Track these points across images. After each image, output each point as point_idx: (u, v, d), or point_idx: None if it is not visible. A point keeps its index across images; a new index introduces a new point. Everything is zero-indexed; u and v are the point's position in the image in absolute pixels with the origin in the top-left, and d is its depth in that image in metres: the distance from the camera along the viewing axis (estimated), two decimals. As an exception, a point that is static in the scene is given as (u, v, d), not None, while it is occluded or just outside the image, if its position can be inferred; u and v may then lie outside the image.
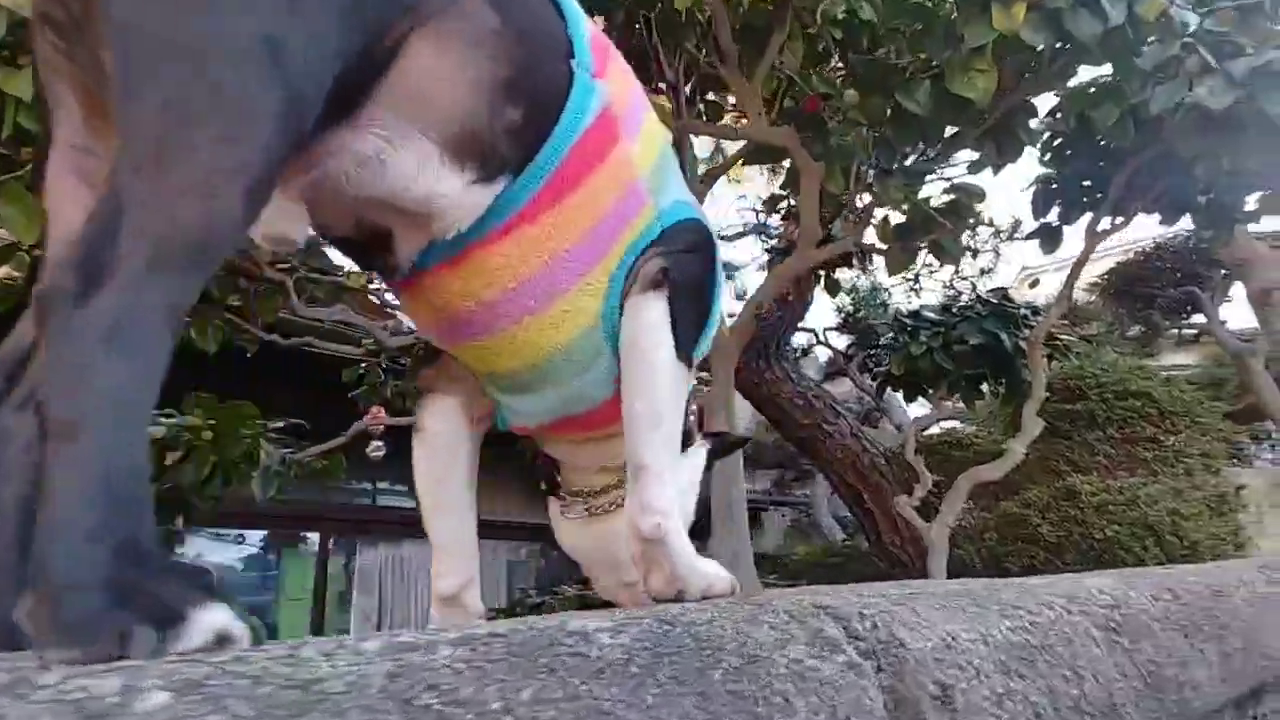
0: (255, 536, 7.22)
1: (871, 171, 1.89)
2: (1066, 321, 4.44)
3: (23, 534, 0.46)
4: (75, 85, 0.53)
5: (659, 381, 0.72)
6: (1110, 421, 3.29)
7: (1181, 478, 3.00)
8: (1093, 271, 6.85)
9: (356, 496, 7.16)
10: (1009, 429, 3.34)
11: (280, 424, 2.56)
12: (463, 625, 0.40)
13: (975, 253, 6.35)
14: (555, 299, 0.70)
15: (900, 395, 3.91)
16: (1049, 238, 2.84)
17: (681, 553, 0.69)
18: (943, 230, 2.06)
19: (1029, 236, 2.88)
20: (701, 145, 3.52)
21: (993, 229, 6.10)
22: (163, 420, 2.57)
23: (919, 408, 4.83)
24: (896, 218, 2.19)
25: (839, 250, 2.27)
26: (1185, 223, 2.81)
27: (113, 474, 0.38)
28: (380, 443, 6.06)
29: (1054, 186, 2.70)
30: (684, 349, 0.73)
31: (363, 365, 3.58)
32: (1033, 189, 2.76)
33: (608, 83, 0.71)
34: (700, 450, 0.96)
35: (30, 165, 1.46)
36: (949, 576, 2.79)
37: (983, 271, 6.35)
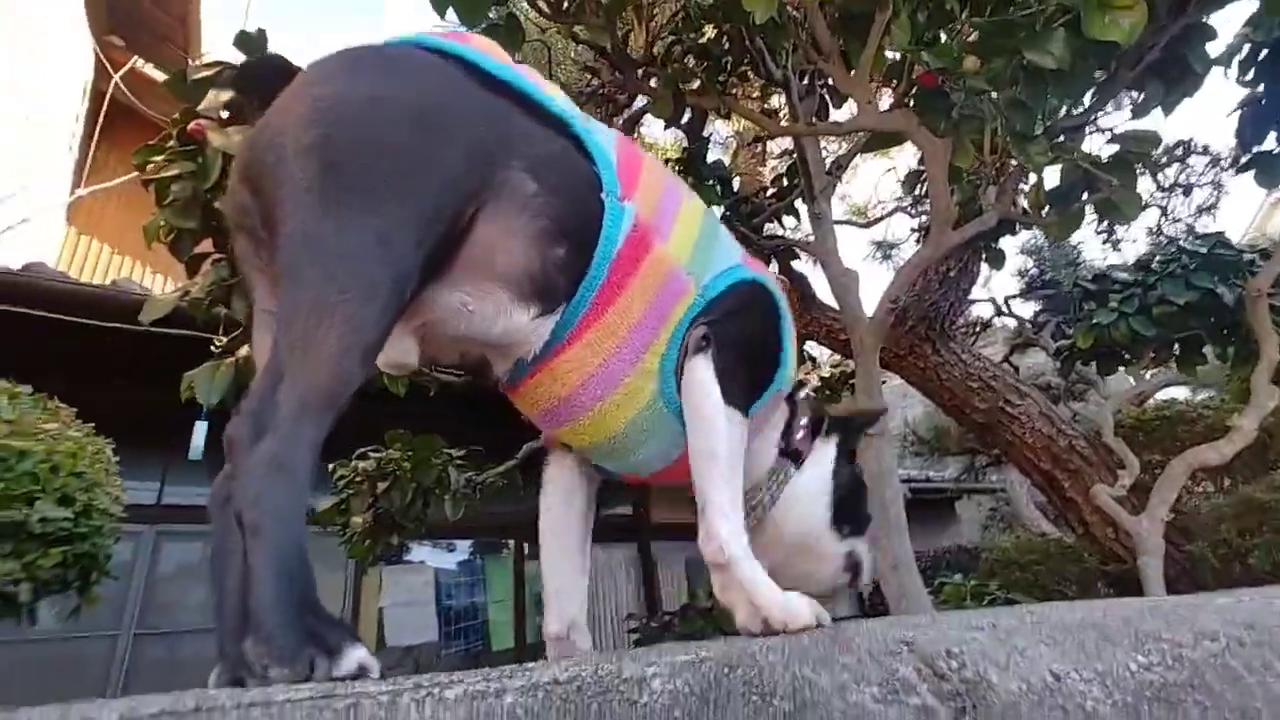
0: (464, 545, 8.11)
1: (1010, 138, 1.71)
2: None
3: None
4: (262, 269, 0.77)
5: (711, 427, 0.83)
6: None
7: None
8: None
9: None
10: (1242, 398, 2.80)
11: (463, 451, 2.88)
12: (536, 670, 0.47)
13: (1189, 189, 5.40)
14: (616, 386, 0.86)
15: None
16: (1267, 168, 2.37)
17: (757, 583, 0.75)
18: (1110, 187, 1.80)
19: (1241, 169, 2.42)
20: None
21: (1209, 158, 5.14)
22: (372, 455, 3.03)
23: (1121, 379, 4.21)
24: (1052, 180, 1.95)
25: (981, 227, 2.07)
26: None
27: (285, 558, 0.56)
28: (556, 457, 6.52)
29: (1263, 103, 2.25)
30: (733, 397, 0.84)
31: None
32: (1238, 114, 2.32)
33: (636, 202, 0.85)
34: (824, 450, 1.04)
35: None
36: (1171, 577, 2.42)
37: (1201, 210, 5.37)
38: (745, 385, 0.88)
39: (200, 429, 3.29)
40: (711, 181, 3.25)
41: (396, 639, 6.84)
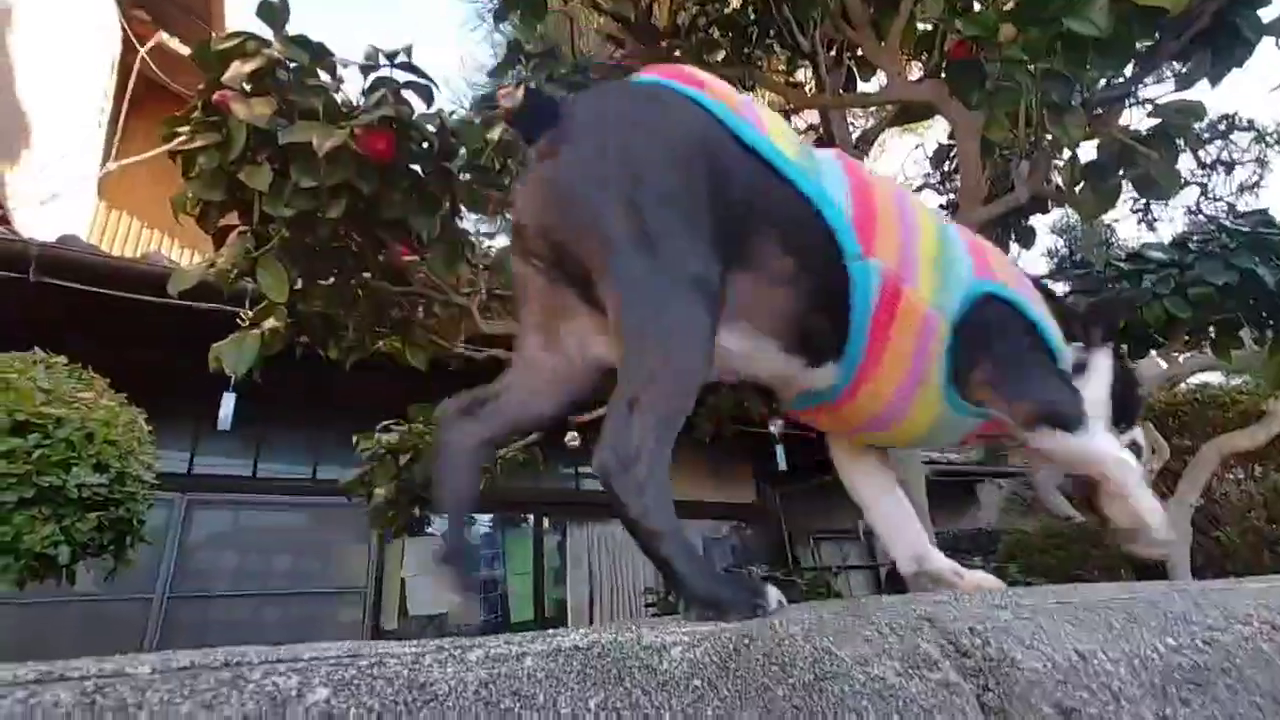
0: (485, 519, 8.25)
1: (1046, 111, 1.65)
2: None
3: (462, 495, 0.87)
4: (538, 288, 0.90)
5: (1098, 462, 1.03)
6: None
7: None
8: None
9: (564, 482, 7.86)
10: (1278, 384, 2.71)
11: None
12: (551, 637, 0.47)
13: (1231, 166, 5.21)
14: (907, 413, 1.02)
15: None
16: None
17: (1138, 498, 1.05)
18: (1149, 162, 1.74)
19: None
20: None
21: (1254, 134, 4.95)
22: (394, 428, 3.07)
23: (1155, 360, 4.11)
24: (1087, 155, 1.88)
25: (1012, 204, 2.01)
26: None
27: (684, 547, 0.69)
28: (575, 433, 6.57)
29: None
30: (1069, 420, 1.00)
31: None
32: (1288, 86, 2.22)
33: (878, 253, 0.94)
34: (1099, 359, 1.18)
35: (275, 238, 1.82)
36: (1199, 565, 2.37)
37: (1243, 188, 5.19)
38: (1067, 399, 1.03)
39: (228, 400, 3.35)
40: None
41: (418, 609, 6.99)
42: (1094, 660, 0.55)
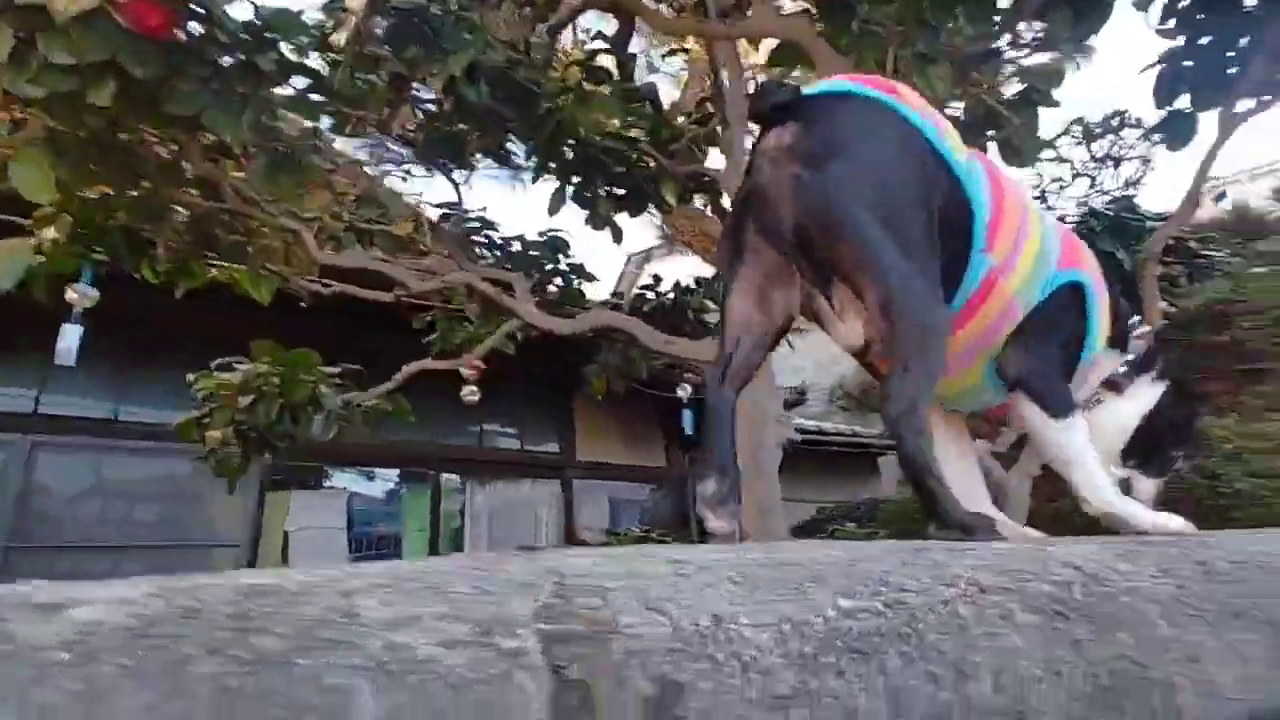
0: (388, 474, 7.95)
1: (913, 60, 1.58)
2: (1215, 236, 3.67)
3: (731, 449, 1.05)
4: (767, 259, 1.05)
5: (1056, 447, 1.13)
6: (1265, 354, 2.69)
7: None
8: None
9: (467, 439, 7.64)
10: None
11: (337, 369, 2.69)
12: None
13: (1119, 161, 5.43)
14: (967, 367, 1.16)
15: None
16: (1177, 129, 2.31)
17: (1133, 515, 1.11)
18: (1013, 127, 1.70)
19: (1151, 131, 2.36)
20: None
21: (1139, 128, 5.16)
22: (236, 367, 2.80)
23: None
24: (952, 113, 1.84)
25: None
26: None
27: (940, 479, 0.89)
28: (474, 389, 6.35)
29: (1186, 64, 2.17)
30: (1060, 409, 1.12)
31: (432, 314, 3.68)
32: (1157, 69, 2.24)
33: (996, 250, 1.09)
34: (1147, 388, 1.25)
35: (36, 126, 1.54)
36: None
37: (1128, 183, 5.42)
38: (1063, 390, 1.14)
39: (69, 332, 2.97)
40: (642, 103, 3.04)
41: (302, 564, 6.71)
42: (729, 625, 0.45)
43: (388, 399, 3.05)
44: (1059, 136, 5.23)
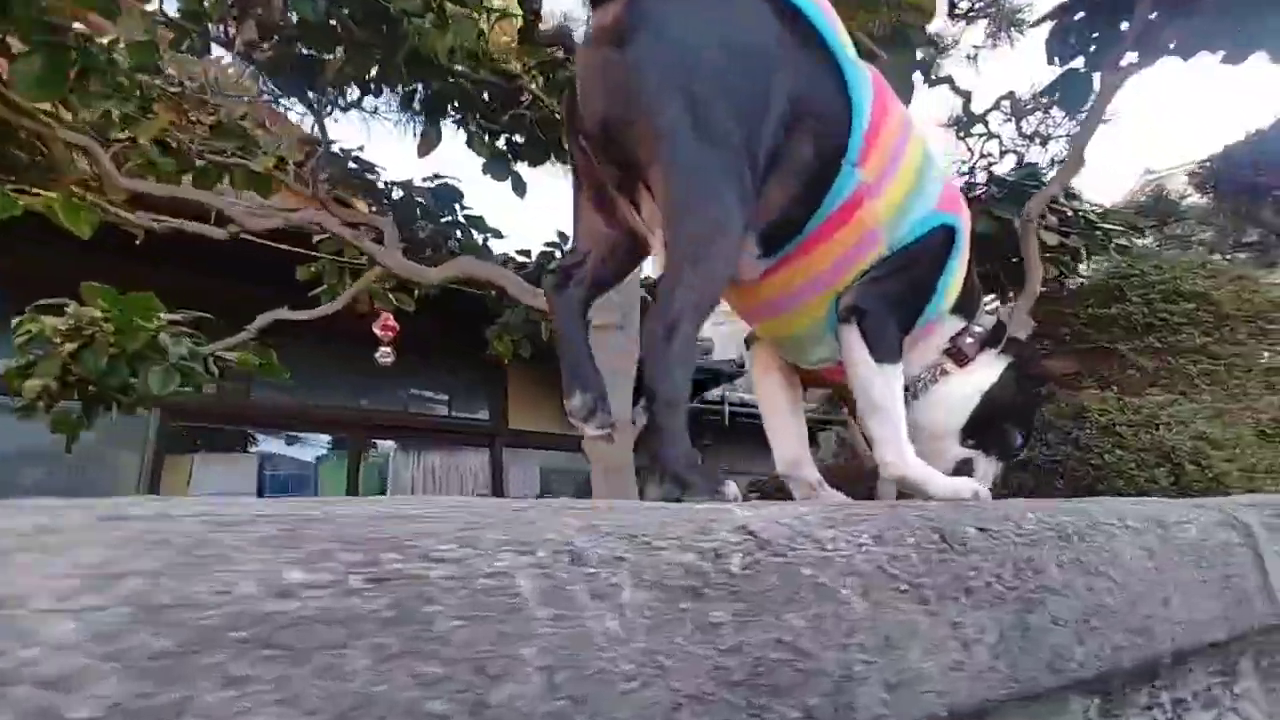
0: (316, 439, 7.62)
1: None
2: (1128, 216, 3.66)
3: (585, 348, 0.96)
4: (586, 169, 0.96)
5: (868, 387, 1.01)
6: (1152, 328, 2.69)
7: (1234, 397, 2.42)
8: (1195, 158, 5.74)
9: (389, 404, 7.37)
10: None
11: (178, 317, 2.43)
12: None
13: (1046, 139, 5.43)
14: (803, 304, 1.04)
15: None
16: (1072, 90, 2.23)
17: (929, 480, 1.01)
18: (881, 63, 1.57)
19: (1044, 92, 2.27)
20: None
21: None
22: (67, 310, 2.52)
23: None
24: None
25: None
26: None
27: (680, 422, 0.78)
28: (388, 350, 6.08)
29: (1078, 18, 2.07)
30: (885, 354, 1.01)
31: (316, 265, 3.43)
32: (1048, 25, 2.13)
33: (868, 166, 0.95)
34: (991, 364, 1.15)
35: None
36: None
37: (1053, 162, 5.44)
38: (896, 337, 1.03)
39: None
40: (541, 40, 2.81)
41: (205, 529, 6.39)
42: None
43: (257, 353, 2.80)
44: (989, 111, 5.20)
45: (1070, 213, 2.67)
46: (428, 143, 2.59)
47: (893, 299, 1.03)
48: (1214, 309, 2.52)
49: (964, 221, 1.10)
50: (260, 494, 6.81)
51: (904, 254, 1.02)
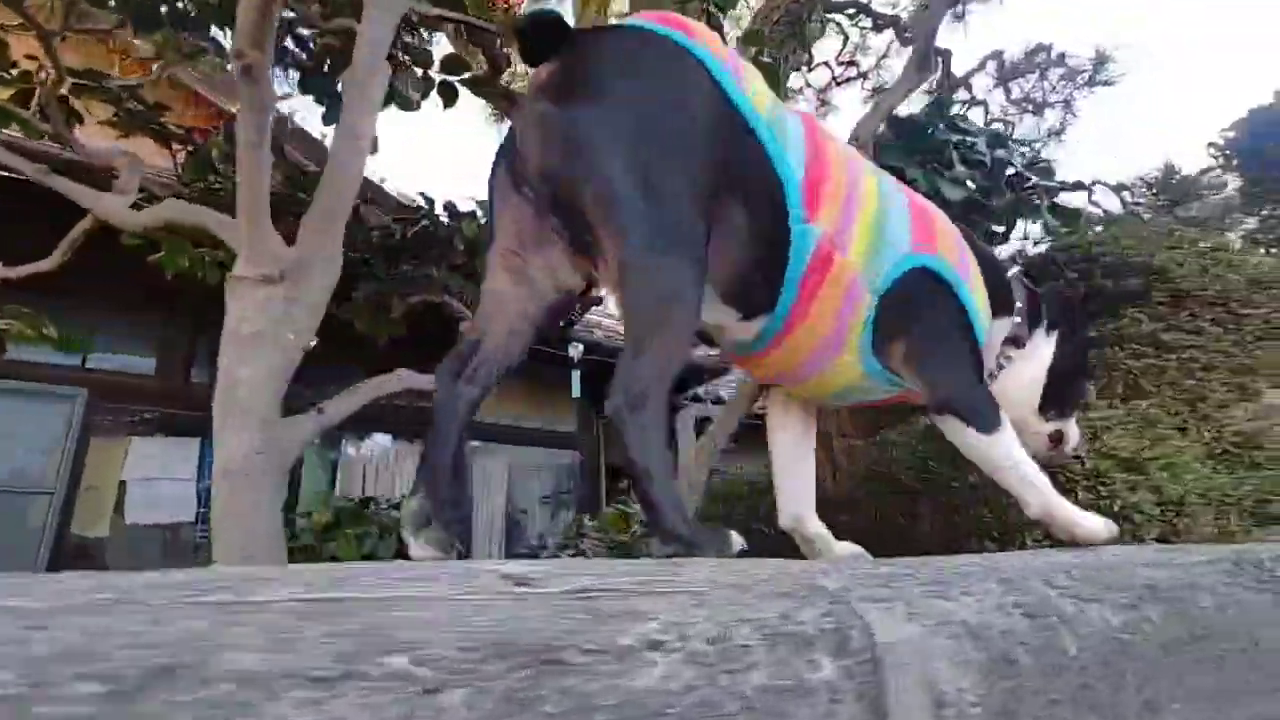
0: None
1: None
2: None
3: (454, 459, 0.89)
4: (522, 216, 0.93)
5: (994, 459, 1.07)
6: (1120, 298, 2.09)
7: (1188, 403, 1.83)
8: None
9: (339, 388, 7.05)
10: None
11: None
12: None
13: (1041, 107, 4.80)
14: (825, 370, 1.10)
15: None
16: None
17: (1061, 513, 1.06)
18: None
19: None
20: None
21: (1065, 69, 4.49)
22: None
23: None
24: None
25: None
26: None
27: (672, 489, 0.79)
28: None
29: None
30: (987, 420, 1.06)
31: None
32: None
33: (821, 217, 0.98)
34: (1043, 343, 1.27)
35: None
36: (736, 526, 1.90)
37: (1051, 133, 4.77)
38: (985, 396, 1.09)
39: None
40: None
41: (139, 516, 6.20)
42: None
43: (26, 322, 2.43)
44: (974, 73, 4.58)
45: (989, 161, 2.09)
46: (168, 58, 2.16)
47: (958, 368, 1.07)
48: (1170, 287, 1.92)
49: (943, 253, 1.08)
50: (201, 477, 6.58)
51: (900, 301, 1.03)
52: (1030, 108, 4.68)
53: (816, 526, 1.22)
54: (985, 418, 1.05)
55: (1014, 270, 1.28)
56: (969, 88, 4.31)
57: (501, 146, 0.95)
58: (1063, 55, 4.44)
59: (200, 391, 6.42)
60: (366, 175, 1.90)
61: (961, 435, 1.05)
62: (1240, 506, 1.48)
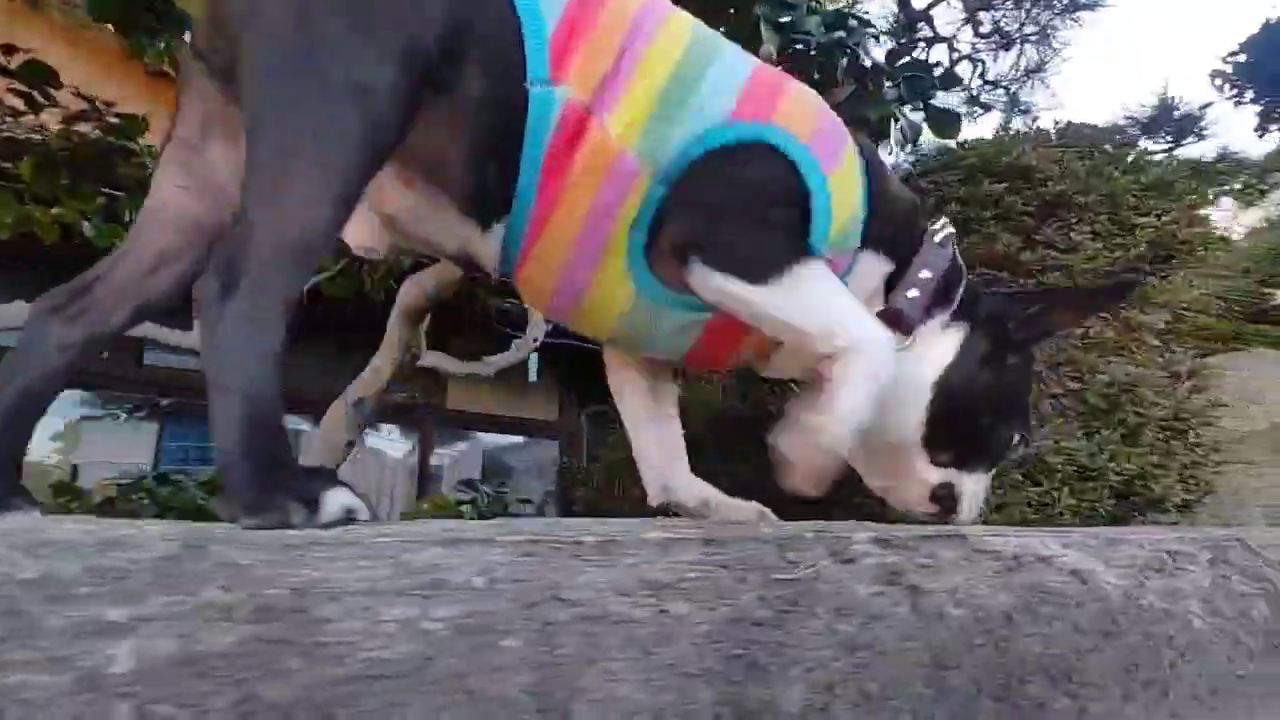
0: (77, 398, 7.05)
1: None
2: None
3: (17, 403, 0.70)
4: (201, 93, 0.76)
5: (761, 314, 0.74)
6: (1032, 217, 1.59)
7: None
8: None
9: (305, 380, 6.88)
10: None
11: None
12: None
13: (1009, 42, 4.21)
14: (590, 291, 0.81)
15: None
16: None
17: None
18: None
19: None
20: None
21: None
22: None
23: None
24: None
25: None
26: None
27: (255, 413, 0.58)
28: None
29: None
30: (752, 267, 0.73)
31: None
32: None
33: (572, 77, 0.74)
34: (946, 333, 0.85)
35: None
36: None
37: (1029, 72, 4.19)
38: (763, 240, 0.75)
39: None
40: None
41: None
42: None
43: None
44: (936, 2, 4.03)
45: (868, 61, 1.62)
46: None
47: (729, 217, 0.74)
48: (1038, 192, 1.40)
49: (794, 129, 0.75)
50: (156, 465, 6.49)
51: (700, 184, 0.73)
52: (1004, 42, 4.09)
53: (700, 490, 0.93)
54: (752, 261, 0.72)
55: (941, 223, 0.87)
56: (930, 22, 3.76)
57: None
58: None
59: (155, 375, 6.35)
60: None
61: (726, 290, 0.72)
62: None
